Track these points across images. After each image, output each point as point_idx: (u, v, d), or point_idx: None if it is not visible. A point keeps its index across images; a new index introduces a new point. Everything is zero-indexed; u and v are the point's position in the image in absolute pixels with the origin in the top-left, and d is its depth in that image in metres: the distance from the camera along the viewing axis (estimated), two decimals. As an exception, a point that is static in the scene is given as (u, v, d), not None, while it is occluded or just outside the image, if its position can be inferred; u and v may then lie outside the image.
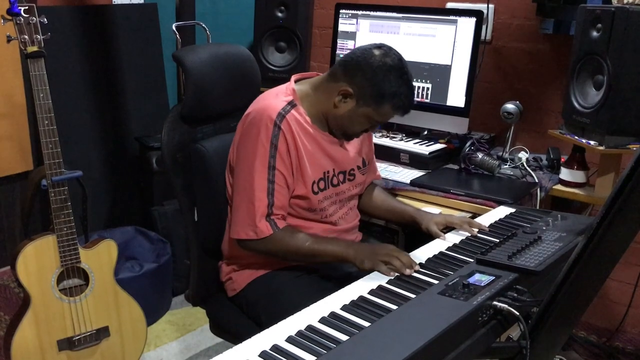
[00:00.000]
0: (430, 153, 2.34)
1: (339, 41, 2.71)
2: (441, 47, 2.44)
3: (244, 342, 1.14)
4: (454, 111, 2.44)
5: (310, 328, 1.17)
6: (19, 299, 2.67)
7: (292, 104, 1.65)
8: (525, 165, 2.31)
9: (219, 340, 2.27)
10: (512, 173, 2.29)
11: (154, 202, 2.97)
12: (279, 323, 1.20)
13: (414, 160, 2.35)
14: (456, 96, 2.43)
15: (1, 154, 2.72)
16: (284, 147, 1.61)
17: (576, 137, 2.08)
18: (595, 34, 1.97)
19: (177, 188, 1.82)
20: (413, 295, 1.29)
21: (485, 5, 2.60)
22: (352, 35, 2.68)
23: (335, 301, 1.29)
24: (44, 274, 2.00)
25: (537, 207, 2.11)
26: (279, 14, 2.99)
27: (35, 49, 1.91)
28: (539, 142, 2.60)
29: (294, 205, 1.69)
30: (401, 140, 2.48)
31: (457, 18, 2.39)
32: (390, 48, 1.65)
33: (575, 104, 2.06)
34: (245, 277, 1.74)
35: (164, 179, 2.85)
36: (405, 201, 2.02)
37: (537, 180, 2.21)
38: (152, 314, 2.67)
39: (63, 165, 1.98)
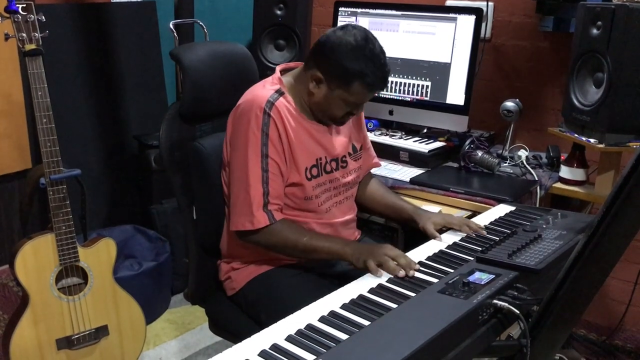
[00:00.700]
0: (429, 151, 2.33)
1: (338, 39, 2.70)
2: (441, 44, 2.43)
3: (243, 341, 1.13)
4: (453, 109, 2.43)
5: (309, 327, 1.17)
6: (17, 297, 2.67)
7: (279, 92, 1.65)
8: (525, 163, 2.31)
9: (218, 339, 2.27)
10: (511, 171, 2.28)
11: (153, 201, 2.96)
12: (278, 322, 1.20)
13: (414, 159, 2.35)
14: (456, 94, 2.42)
15: (-1, 152, 2.71)
16: (275, 135, 1.60)
17: (576, 135, 2.08)
18: (595, 31, 1.96)
19: (176, 186, 1.81)
20: (413, 294, 1.29)
21: (485, 2, 2.60)
22: (351, 33, 2.67)
23: (335, 300, 1.28)
24: (43, 273, 1.99)
25: (537, 205, 2.11)
26: (278, 12, 2.98)
27: (33, 47, 1.90)
28: (538, 140, 2.59)
29: (289, 195, 1.68)
30: (400, 138, 2.48)
31: (457, 16, 2.39)
32: (354, 26, 1.63)
33: (575, 102, 2.06)
34: (245, 276, 1.74)
35: (163, 177, 2.85)
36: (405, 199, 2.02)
37: (536, 178, 2.20)
38: (151, 313, 2.67)
39: (61, 164, 1.98)
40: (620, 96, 1.91)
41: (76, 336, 2.08)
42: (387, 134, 2.53)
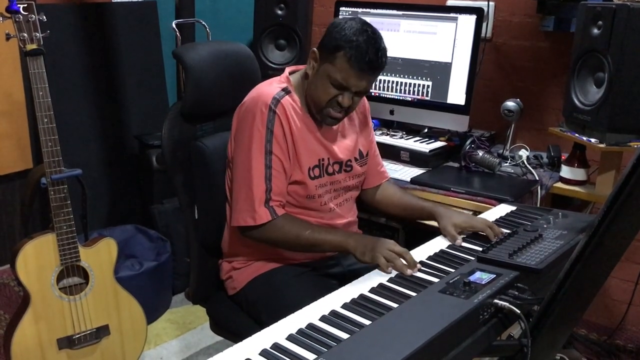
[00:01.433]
0: (430, 151, 2.33)
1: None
2: (441, 44, 2.43)
3: (244, 341, 1.13)
4: (454, 109, 2.43)
5: (311, 326, 1.17)
6: (18, 297, 2.67)
7: (286, 90, 1.65)
8: (526, 163, 2.31)
9: (219, 338, 2.27)
10: (512, 171, 2.28)
11: (154, 200, 2.96)
12: (279, 321, 1.20)
13: (415, 158, 2.35)
14: (456, 94, 2.42)
15: (0, 152, 2.71)
16: (279, 131, 1.60)
17: (577, 135, 2.08)
18: (596, 31, 1.96)
19: (177, 186, 1.81)
20: (414, 294, 1.29)
21: (486, 2, 2.60)
22: (352, 33, 2.67)
23: (336, 299, 1.28)
24: (44, 273, 1.99)
25: (538, 205, 2.11)
26: (279, 12, 2.99)
27: (34, 46, 1.90)
28: (539, 140, 2.59)
29: (292, 193, 1.68)
30: (401, 138, 2.48)
31: (458, 15, 2.39)
32: (360, 18, 1.65)
33: (576, 102, 2.06)
34: (246, 276, 1.74)
35: (164, 177, 2.85)
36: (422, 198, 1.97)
37: (537, 178, 2.20)
38: (152, 313, 2.67)
39: (62, 164, 1.98)
40: (621, 96, 1.91)
41: (77, 336, 2.08)
42: (387, 134, 2.53)
